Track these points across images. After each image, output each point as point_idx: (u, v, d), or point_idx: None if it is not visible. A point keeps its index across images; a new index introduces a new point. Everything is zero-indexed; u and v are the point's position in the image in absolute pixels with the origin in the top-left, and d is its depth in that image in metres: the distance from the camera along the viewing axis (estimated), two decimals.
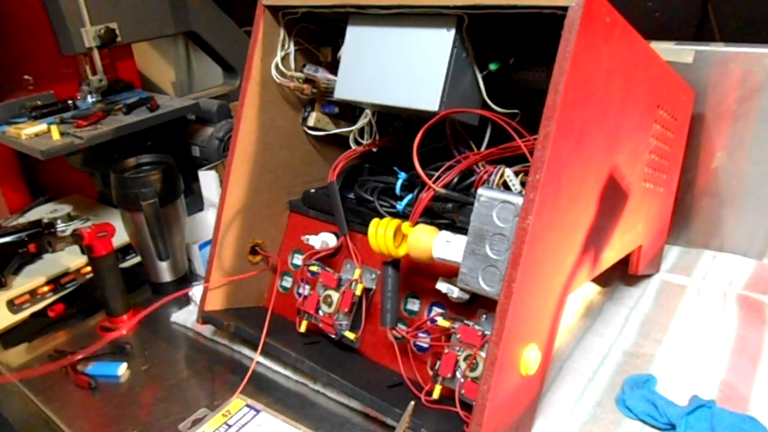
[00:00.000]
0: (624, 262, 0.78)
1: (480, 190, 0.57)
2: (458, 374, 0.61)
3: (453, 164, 0.64)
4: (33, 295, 0.93)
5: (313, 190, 0.82)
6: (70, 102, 1.10)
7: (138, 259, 1.01)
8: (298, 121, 0.82)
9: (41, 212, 1.16)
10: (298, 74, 0.76)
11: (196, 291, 0.90)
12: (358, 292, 0.71)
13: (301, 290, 0.79)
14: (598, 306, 0.84)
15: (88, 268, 0.97)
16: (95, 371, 0.79)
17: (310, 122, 0.80)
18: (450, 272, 0.62)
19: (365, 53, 0.67)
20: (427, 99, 0.62)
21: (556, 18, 0.50)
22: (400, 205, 0.71)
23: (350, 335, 0.71)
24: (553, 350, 0.63)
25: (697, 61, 0.87)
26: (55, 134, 0.97)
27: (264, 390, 0.73)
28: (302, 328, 0.76)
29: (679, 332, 0.77)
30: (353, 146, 0.78)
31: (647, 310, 0.82)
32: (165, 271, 0.96)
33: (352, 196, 0.78)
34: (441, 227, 0.63)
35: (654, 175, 0.75)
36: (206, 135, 1.14)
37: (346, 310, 0.71)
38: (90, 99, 1.10)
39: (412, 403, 0.59)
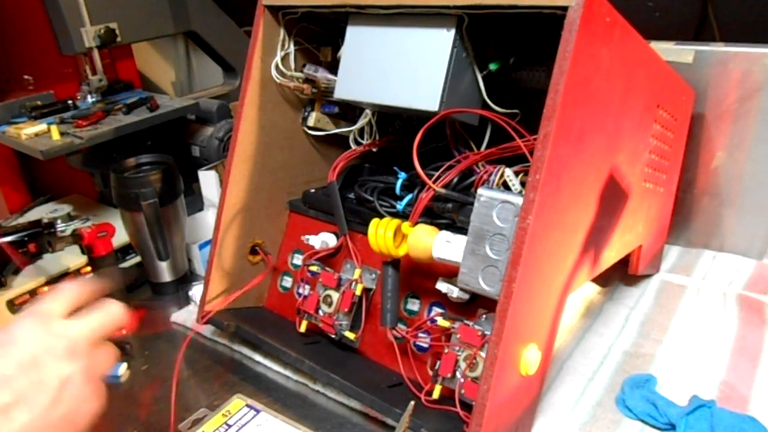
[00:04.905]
0: (624, 262, 0.77)
1: (480, 190, 0.57)
2: (458, 374, 0.61)
3: (453, 164, 0.64)
4: (33, 295, 0.93)
5: (313, 190, 0.82)
6: (70, 102, 1.09)
7: (138, 259, 1.01)
8: (298, 121, 0.82)
9: (41, 212, 1.16)
10: (298, 74, 0.76)
11: (196, 291, 0.90)
12: (358, 292, 0.71)
13: (301, 290, 0.79)
14: (598, 306, 0.84)
15: (88, 268, 0.97)
16: None
17: (310, 122, 0.80)
18: (450, 272, 0.62)
19: (365, 53, 0.67)
20: (427, 99, 0.62)
21: (556, 18, 0.50)
22: (400, 205, 0.71)
23: (350, 335, 0.70)
24: (553, 350, 0.63)
25: (697, 61, 0.87)
26: (55, 134, 0.97)
27: (264, 390, 0.73)
28: (302, 328, 0.76)
29: (679, 332, 0.77)
30: (353, 146, 0.78)
31: (647, 310, 0.82)
32: (165, 271, 0.96)
33: (352, 196, 0.78)
34: (441, 227, 0.62)
35: (654, 175, 0.75)
36: (206, 135, 1.14)
37: (346, 310, 0.71)
38: (90, 99, 1.10)
39: (412, 403, 0.58)
